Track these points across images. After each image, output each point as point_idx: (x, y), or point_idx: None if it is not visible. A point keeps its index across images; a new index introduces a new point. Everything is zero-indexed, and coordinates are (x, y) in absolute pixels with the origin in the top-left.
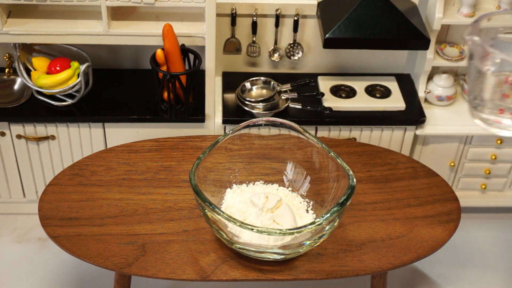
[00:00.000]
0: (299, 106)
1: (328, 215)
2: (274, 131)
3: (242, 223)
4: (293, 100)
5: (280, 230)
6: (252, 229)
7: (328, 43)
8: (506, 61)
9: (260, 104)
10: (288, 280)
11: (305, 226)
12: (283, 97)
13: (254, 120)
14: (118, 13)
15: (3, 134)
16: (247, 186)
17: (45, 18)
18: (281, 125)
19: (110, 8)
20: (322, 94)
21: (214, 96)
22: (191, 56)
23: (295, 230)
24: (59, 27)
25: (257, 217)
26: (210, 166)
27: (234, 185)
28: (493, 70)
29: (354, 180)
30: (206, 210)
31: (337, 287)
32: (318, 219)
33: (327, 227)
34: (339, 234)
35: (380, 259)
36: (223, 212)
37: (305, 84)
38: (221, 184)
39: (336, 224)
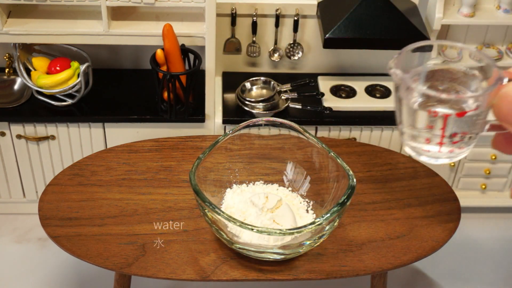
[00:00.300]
0: (299, 106)
1: (328, 215)
2: (274, 131)
3: (242, 223)
4: (293, 100)
5: (280, 230)
6: (252, 229)
7: (328, 43)
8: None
9: (260, 104)
10: (288, 280)
11: (305, 226)
12: (283, 97)
13: (254, 120)
14: (118, 13)
15: (3, 134)
16: (247, 186)
17: (45, 18)
18: (281, 125)
19: (110, 8)
20: (322, 94)
21: (214, 96)
22: (191, 56)
23: (295, 230)
24: (59, 27)
25: (257, 217)
26: (210, 166)
27: (234, 185)
28: (419, 102)
29: (354, 180)
30: (206, 210)
31: (337, 287)
32: (318, 219)
33: (327, 227)
34: (339, 234)
35: (380, 259)
36: (223, 212)
37: (305, 84)
38: (221, 184)
39: (336, 224)
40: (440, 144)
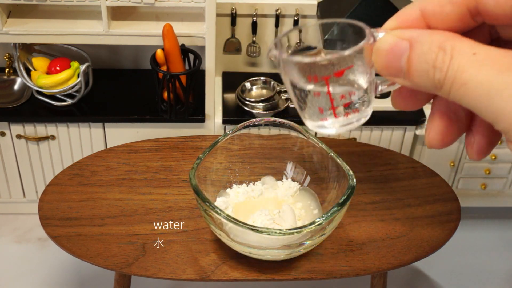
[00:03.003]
0: None
1: (328, 215)
2: (274, 131)
3: (242, 223)
4: None
5: (280, 230)
6: (252, 229)
7: (328, 43)
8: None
9: (260, 104)
10: (288, 280)
11: (305, 226)
12: (283, 97)
13: (254, 120)
14: (118, 13)
15: (3, 134)
16: (247, 186)
17: (45, 18)
18: (281, 125)
19: (110, 8)
20: None
21: (214, 96)
22: (191, 56)
23: (295, 230)
24: (59, 27)
25: (257, 217)
26: (210, 166)
27: (234, 185)
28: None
29: (354, 180)
30: (206, 210)
31: (337, 287)
32: (318, 219)
33: (327, 227)
34: (339, 234)
35: (380, 259)
36: (223, 212)
37: None
38: (221, 184)
39: (336, 224)
40: (333, 108)
